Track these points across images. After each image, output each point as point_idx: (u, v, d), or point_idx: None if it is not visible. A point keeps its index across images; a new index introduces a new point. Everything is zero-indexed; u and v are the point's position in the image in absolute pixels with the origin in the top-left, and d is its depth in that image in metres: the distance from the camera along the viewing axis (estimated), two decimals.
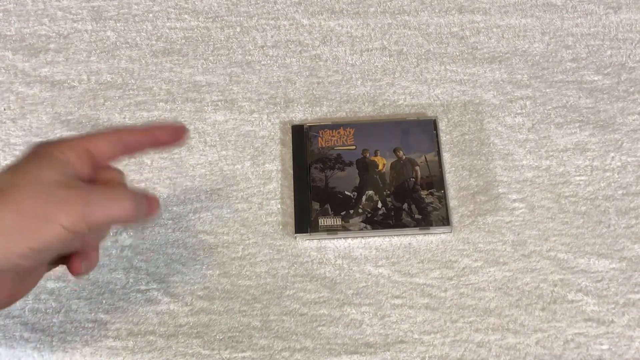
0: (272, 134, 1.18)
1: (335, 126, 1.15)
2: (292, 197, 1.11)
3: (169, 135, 0.85)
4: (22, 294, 0.81)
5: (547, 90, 1.20)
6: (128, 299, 1.05)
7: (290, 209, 1.11)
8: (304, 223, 1.08)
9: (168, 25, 1.30)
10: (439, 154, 1.12)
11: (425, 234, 1.08)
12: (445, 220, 1.06)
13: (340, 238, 1.08)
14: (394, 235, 1.08)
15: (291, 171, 1.14)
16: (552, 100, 1.19)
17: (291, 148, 1.15)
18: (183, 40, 1.28)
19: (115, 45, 1.28)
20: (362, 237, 1.08)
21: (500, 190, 1.11)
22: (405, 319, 1.02)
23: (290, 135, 1.16)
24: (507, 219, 1.09)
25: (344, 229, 1.06)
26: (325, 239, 1.08)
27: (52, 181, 0.74)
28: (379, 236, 1.08)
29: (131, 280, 1.06)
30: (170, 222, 1.10)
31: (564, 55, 1.24)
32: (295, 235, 1.08)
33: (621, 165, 1.13)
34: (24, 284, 0.80)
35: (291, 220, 1.10)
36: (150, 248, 1.09)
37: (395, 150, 1.13)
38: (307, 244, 1.08)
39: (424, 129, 1.15)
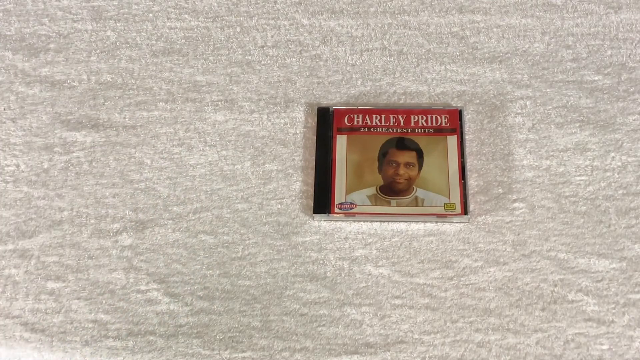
0: (273, 133, 1.18)
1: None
2: (293, 196, 1.12)
3: None
4: None
5: (548, 90, 1.20)
6: (128, 299, 1.05)
7: (291, 209, 1.11)
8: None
9: (168, 25, 1.30)
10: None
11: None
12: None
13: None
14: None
15: (291, 171, 1.14)
16: (552, 100, 1.19)
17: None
18: (183, 40, 1.28)
19: (115, 45, 1.28)
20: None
21: (500, 190, 1.11)
22: (406, 319, 1.02)
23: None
24: (507, 219, 1.09)
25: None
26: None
27: None
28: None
29: (131, 280, 1.06)
30: (170, 222, 1.10)
31: (564, 55, 1.24)
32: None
33: (621, 165, 1.13)
34: None
35: (290, 220, 1.10)
36: (150, 248, 1.09)
37: None
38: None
39: None
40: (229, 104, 1.21)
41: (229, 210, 1.11)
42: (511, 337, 1.00)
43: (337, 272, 1.06)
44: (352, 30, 1.28)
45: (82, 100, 1.22)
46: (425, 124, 1.16)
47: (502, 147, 1.15)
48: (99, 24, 1.30)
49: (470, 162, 1.14)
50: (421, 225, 1.09)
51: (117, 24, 1.30)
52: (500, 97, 1.20)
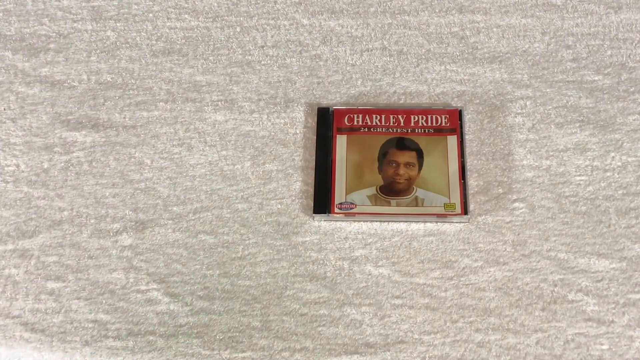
0: (273, 133, 1.18)
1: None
2: (292, 196, 1.12)
3: None
4: None
5: (547, 90, 1.20)
6: (128, 299, 1.05)
7: (291, 209, 1.11)
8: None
9: (168, 25, 1.30)
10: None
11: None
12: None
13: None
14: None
15: (291, 171, 1.14)
16: (552, 100, 1.19)
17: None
18: (183, 40, 1.28)
19: (115, 45, 1.28)
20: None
21: (500, 190, 1.11)
22: (406, 319, 1.02)
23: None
24: (507, 219, 1.09)
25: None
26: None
27: None
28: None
29: (131, 280, 1.06)
30: (170, 222, 1.10)
31: (564, 55, 1.24)
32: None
33: (621, 165, 1.13)
34: None
35: (290, 220, 1.10)
36: (150, 248, 1.09)
37: None
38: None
39: None
40: (229, 104, 1.21)
41: (229, 210, 1.11)
42: (511, 337, 1.00)
43: (337, 272, 1.06)
44: (352, 30, 1.28)
45: (82, 100, 1.22)
46: (425, 124, 1.16)
47: (502, 147, 1.15)
48: (99, 24, 1.30)
49: (470, 162, 1.14)
50: (421, 225, 1.09)
51: (117, 24, 1.30)
52: (500, 97, 1.20)
